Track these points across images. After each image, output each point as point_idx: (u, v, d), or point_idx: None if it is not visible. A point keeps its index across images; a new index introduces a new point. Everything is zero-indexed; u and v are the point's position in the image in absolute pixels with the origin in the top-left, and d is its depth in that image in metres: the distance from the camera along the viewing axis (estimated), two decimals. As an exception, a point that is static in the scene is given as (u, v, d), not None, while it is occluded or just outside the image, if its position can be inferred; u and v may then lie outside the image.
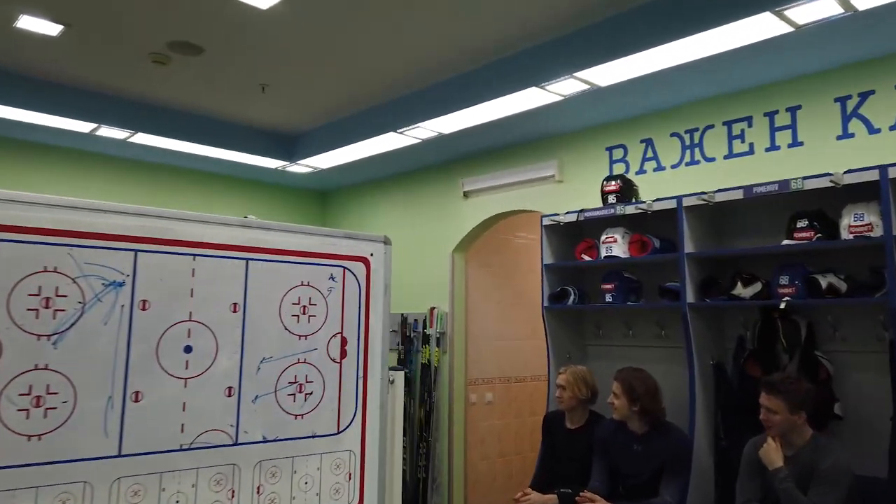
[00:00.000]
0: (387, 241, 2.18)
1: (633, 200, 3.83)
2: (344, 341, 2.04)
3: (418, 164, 5.63)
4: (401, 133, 4.59)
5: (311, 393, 1.96)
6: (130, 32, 3.60)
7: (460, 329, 5.41)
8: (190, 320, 1.77)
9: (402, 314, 5.66)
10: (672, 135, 4.08)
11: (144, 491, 1.66)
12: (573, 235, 4.14)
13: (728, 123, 3.84)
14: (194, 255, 1.79)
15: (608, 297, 3.83)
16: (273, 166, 5.64)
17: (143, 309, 1.70)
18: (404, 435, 5.49)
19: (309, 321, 1.98)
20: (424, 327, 5.48)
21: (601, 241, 3.86)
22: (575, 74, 3.54)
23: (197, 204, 5.82)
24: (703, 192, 3.40)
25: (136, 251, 1.71)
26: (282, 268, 1.93)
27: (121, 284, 1.67)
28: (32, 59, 3.97)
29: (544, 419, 3.88)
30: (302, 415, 1.94)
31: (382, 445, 2.09)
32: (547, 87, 3.71)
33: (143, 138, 4.89)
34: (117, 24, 3.51)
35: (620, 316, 4.08)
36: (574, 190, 4.53)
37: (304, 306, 1.97)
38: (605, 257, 3.82)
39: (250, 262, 1.88)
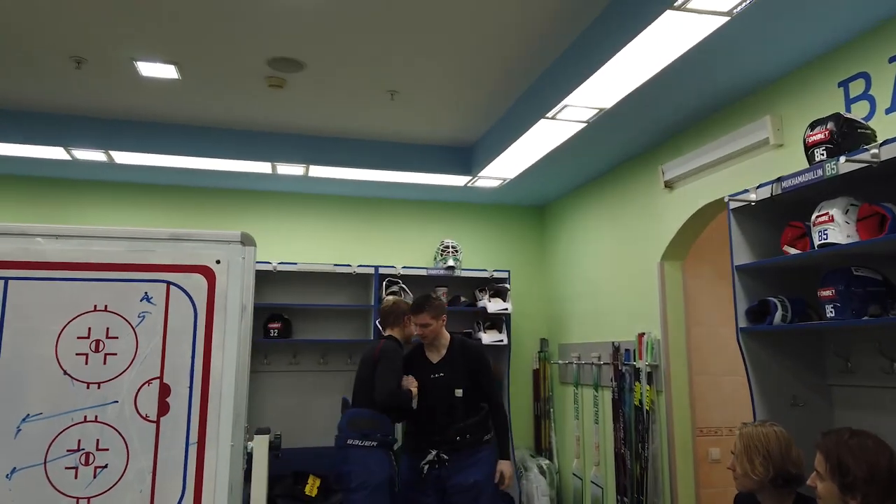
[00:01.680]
0: (246, 242, 1.49)
1: (861, 149, 2.35)
2: (165, 390, 1.41)
3: (615, 157, 4.58)
4: (553, 119, 3.71)
5: (106, 466, 1.37)
6: (234, 59, 3.52)
7: (680, 360, 4.13)
8: (-89, 364, 1.34)
9: (614, 343, 4.60)
10: (942, 36, 2.46)
11: None
12: (778, 220, 2.76)
13: None
14: (-79, 278, 1.37)
15: (829, 311, 2.40)
16: (458, 183, 5.16)
17: None
18: (625, 494, 4.39)
19: (105, 362, 1.40)
20: (635, 359, 4.35)
21: (812, 221, 2.46)
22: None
23: (398, 233, 5.64)
24: (967, 111, 1.88)
25: None
26: (62, 288, 1.40)
27: None
28: (169, 107, 4.21)
29: (734, 503, 2.56)
30: (88, 498, 1.35)
31: (232, 549, 1.38)
32: (687, 5, 2.53)
33: (317, 171, 4.87)
34: (219, 54, 3.45)
35: (877, 338, 2.56)
36: (799, 155, 3.07)
37: (98, 341, 1.40)
38: (819, 246, 2.41)
39: (11, 281, 1.38)
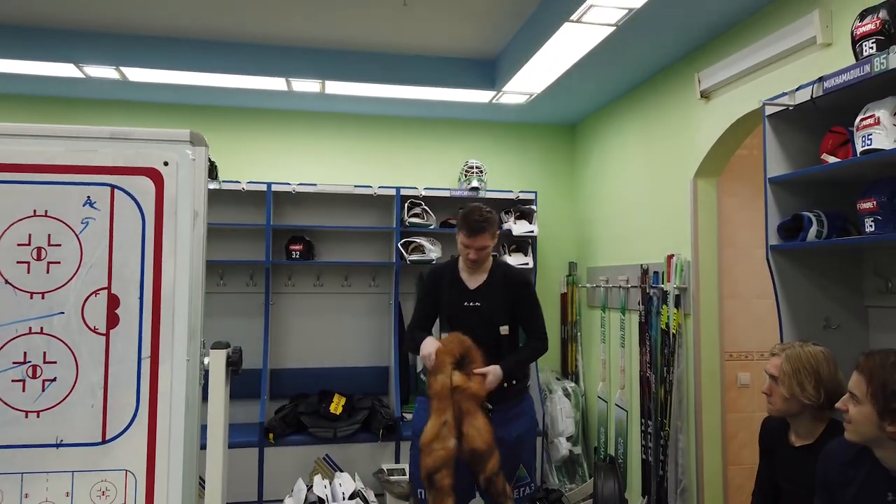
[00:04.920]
0: (196, 141, 1.35)
1: (918, 42, 2.07)
2: (113, 302, 1.31)
3: (648, 68, 4.26)
4: (578, 22, 3.41)
5: (54, 379, 1.30)
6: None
7: (710, 282, 3.93)
8: None
9: (642, 265, 4.41)
10: None
11: None
12: (820, 127, 2.50)
13: None
14: None
15: (869, 224, 2.18)
16: (483, 100, 4.91)
17: None
18: (650, 418, 4.30)
19: (48, 271, 1.31)
20: (663, 282, 4.16)
21: (856, 126, 2.20)
22: None
23: (421, 153, 5.46)
24: None
25: None
26: (-1, 191, 1.29)
27: None
28: (181, 20, 4.03)
29: (762, 427, 2.42)
30: (38, 412, 1.29)
31: (190, 466, 1.31)
32: None
33: (334, 87, 4.68)
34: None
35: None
36: (850, 54, 2.75)
37: (40, 248, 1.30)
38: (862, 153, 2.17)
39: (-58, 185, 1.28)
